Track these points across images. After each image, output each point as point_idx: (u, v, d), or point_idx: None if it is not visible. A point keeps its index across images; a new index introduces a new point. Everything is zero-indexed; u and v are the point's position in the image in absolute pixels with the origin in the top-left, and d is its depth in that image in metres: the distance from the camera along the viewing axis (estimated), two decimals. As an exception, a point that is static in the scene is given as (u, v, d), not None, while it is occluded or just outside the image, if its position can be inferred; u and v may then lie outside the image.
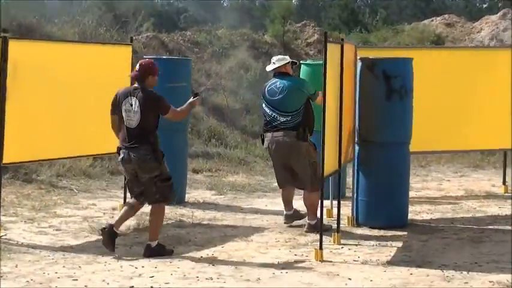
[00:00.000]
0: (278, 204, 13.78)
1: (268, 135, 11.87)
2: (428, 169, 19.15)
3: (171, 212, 13.32)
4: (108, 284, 8.86)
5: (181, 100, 12.38)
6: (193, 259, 10.18)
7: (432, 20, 31.92)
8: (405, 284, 8.93)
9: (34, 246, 10.76)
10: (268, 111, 11.96)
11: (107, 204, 13.88)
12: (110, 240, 10.13)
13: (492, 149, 16.30)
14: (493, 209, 14.09)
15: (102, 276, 9.16)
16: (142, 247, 10.63)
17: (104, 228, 10.28)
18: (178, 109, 10.58)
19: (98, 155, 14.45)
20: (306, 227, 11.98)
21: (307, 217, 12.05)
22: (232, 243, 11.21)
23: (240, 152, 20.36)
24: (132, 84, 10.73)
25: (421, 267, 9.73)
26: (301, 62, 15.67)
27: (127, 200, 11.32)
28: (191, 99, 10.81)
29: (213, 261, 10.07)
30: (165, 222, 12.41)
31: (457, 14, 34.47)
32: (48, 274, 9.22)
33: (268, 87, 12.19)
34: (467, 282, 8.97)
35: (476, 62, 15.18)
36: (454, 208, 14.13)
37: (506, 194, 15.44)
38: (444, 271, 9.54)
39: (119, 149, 10.26)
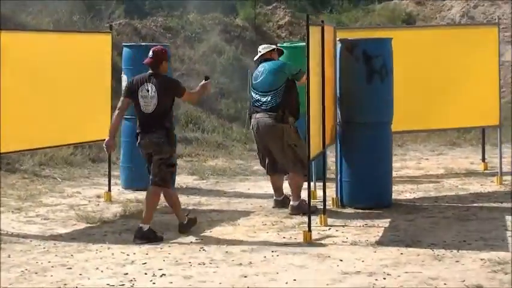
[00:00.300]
0: (261, 187, 13.93)
1: (253, 116, 12.13)
2: (406, 148, 19.26)
3: (156, 198, 13.40)
4: (102, 271, 8.92)
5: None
6: (183, 245, 10.26)
7: (402, 0, 32.03)
8: (397, 264, 9.00)
9: (24, 236, 10.83)
10: (253, 94, 12.27)
11: (92, 192, 13.92)
12: (146, 236, 10.52)
13: (471, 127, 16.24)
14: (475, 186, 14.19)
15: (95, 264, 9.22)
16: (131, 233, 10.74)
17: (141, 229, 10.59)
18: (192, 91, 11.12)
19: (80, 143, 14.45)
20: (289, 209, 12.09)
21: (292, 198, 12.14)
22: (219, 227, 11.26)
23: (217, 136, 20.45)
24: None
25: (410, 247, 9.81)
26: (278, 45, 15.68)
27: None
28: (203, 82, 10.99)
29: (203, 246, 10.09)
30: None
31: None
32: (42, 263, 9.26)
33: (254, 73, 12.46)
34: (458, 261, 9.06)
35: (456, 40, 15.33)
36: (436, 187, 14.23)
37: (486, 171, 15.53)
38: (434, 250, 9.62)
39: (137, 134, 10.61)
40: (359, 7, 29.16)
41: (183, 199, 12.86)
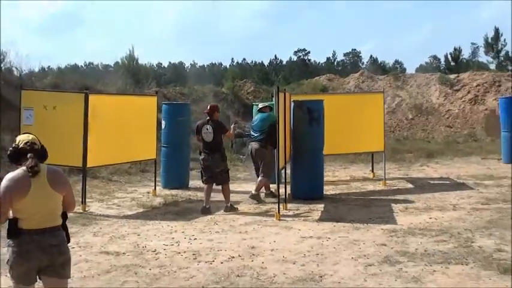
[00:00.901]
0: (243, 187, 13.86)
1: (250, 144, 12.64)
2: (326, 164, 19.21)
3: (183, 193, 13.40)
4: (158, 237, 9.08)
5: (186, 127, 14.20)
6: (203, 221, 10.29)
7: (320, 77, 32.21)
8: (332, 232, 9.15)
9: (107, 216, 10.87)
10: (251, 131, 12.64)
11: (144, 190, 13.84)
12: (206, 211, 11.01)
13: (366, 152, 16.27)
14: (370, 187, 14.23)
15: (153, 233, 9.39)
16: (171, 214, 10.97)
17: (204, 207, 11.14)
18: (230, 131, 11.65)
19: (136, 161, 14.47)
20: (250, 194, 12.29)
21: (254, 189, 12.33)
22: (220, 213, 11.12)
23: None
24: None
25: (338, 222, 9.91)
26: (253, 103, 15.83)
27: (206, 184, 11.39)
28: (233, 125, 12.32)
29: (215, 222, 10.15)
30: (179, 200, 12.54)
31: (333, 73, 34.82)
32: (121, 232, 9.45)
33: (253, 118, 13.02)
34: (368, 230, 9.25)
35: (359, 100, 15.63)
36: (347, 187, 14.24)
37: (374, 178, 15.57)
38: (353, 224, 9.76)
39: (200, 152, 11.35)
40: (294, 82, 29.14)
41: (200, 194, 12.87)
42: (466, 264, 6.88)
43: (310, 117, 12.40)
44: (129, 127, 12.26)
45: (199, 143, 11.69)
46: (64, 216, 4.47)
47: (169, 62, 57.81)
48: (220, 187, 11.35)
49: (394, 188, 14.00)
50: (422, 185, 14.38)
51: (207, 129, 11.11)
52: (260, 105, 13.15)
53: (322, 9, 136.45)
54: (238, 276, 6.73)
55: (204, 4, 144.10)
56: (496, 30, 46.33)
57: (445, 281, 6.25)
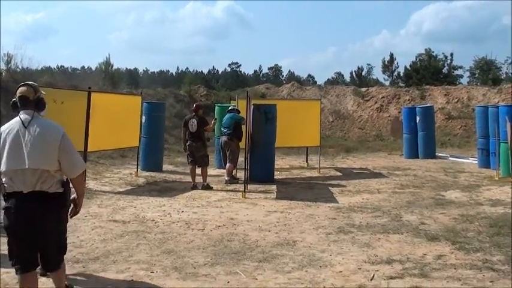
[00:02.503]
0: (212, 172, 13.72)
1: (221, 138, 12.69)
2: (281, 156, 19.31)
3: (159, 175, 13.36)
4: (152, 209, 9.05)
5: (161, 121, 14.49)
6: (183, 197, 10.32)
7: (259, 86, 32.30)
8: (291, 208, 9.25)
9: (104, 191, 10.68)
10: (222, 128, 12.65)
11: (126, 171, 13.70)
12: (194, 188, 11.31)
13: (303, 146, 16.39)
14: (307, 173, 14.42)
15: (146, 206, 9.36)
16: (156, 191, 10.88)
17: (194, 185, 11.41)
18: (210, 125, 12.01)
19: (125, 148, 14.26)
20: (225, 181, 12.27)
21: (226, 175, 12.41)
22: (196, 190, 11.16)
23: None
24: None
25: (292, 200, 10.01)
26: (215, 104, 15.81)
27: (190, 166, 11.69)
28: (213, 121, 12.64)
29: (194, 199, 10.18)
30: (158, 180, 12.45)
31: (270, 83, 34.91)
32: (119, 205, 9.37)
33: (224, 117, 12.81)
34: (318, 207, 9.37)
35: (300, 106, 15.93)
36: (290, 173, 14.41)
37: (308, 167, 15.77)
38: (305, 202, 9.85)
39: (186, 140, 11.58)
40: (238, 89, 29.02)
41: (173, 176, 12.82)
42: (402, 234, 7.10)
43: (266, 117, 12.57)
44: (119, 120, 12.18)
45: (181, 135, 12.12)
46: None
47: (126, 68, 56.57)
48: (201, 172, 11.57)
49: (328, 175, 14.19)
50: (348, 173, 14.64)
51: (193, 122, 11.51)
52: (230, 107, 13.19)
53: (252, 30, 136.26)
54: (228, 240, 6.78)
55: (154, 20, 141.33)
56: (391, 55, 47.51)
57: (390, 246, 6.45)
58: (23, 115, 4.01)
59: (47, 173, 3.92)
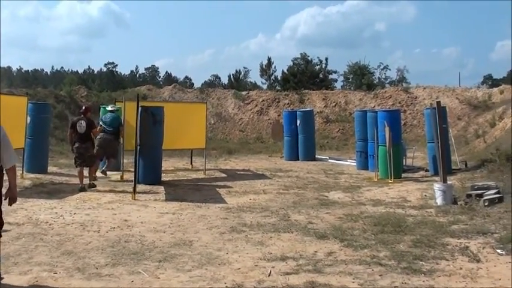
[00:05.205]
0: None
1: (103, 134, 12.50)
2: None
3: (45, 177, 13.08)
4: (43, 211, 8.83)
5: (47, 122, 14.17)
6: (73, 199, 10.25)
7: (141, 87, 32.00)
8: (182, 209, 9.46)
9: None
10: (104, 126, 12.61)
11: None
12: (83, 190, 11.31)
13: (190, 148, 16.50)
14: (193, 175, 14.68)
15: (37, 208, 9.12)
16: (44, 194, 10.60)
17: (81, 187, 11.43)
18: (97, 129, 12.14)
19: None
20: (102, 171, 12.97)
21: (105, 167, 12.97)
22: (85, 192, 11.09)
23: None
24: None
25: (182, 201, 10.23)
26: (101, 105, 15.67)
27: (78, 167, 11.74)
28: (100, 127, 12.53)
29: (84, 201, 10.20)
30: (44, 182, 12.24)
31: (149, 84, 34.66)
32: (9, 207, 8.85)
33: (104, 116, 12.92)
34: (209, 208, 9.66)
35: (188, 109, 16.17)
36: (176, 175, 14.61)
37: (193, 169, 16.02)
38: (195, 203, 10.10)
39: (74, 142, 11.58)
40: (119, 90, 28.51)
41: (58, 178, 12.46)
42: (292, 232, 7.56)
43: (153, 119, 12.64)
44: (4, 121, 11.60)
45: (68, 137, 12.18)
46: None
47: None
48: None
49: (213, 176, 14.55)
50: (232, 174, 15.09)
51: (81, 123, 11.62)
52: (110, 108, 13.28)
53: (128, 29, 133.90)
54: (126, 241, 6.91)
55: (27, 16, 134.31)
56: (269, 59, 48.97)
57: (282, 244, 6.89)
58: None
59: None
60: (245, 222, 8.26)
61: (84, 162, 11.63)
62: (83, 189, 11.28)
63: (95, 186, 11.64)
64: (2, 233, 6.83)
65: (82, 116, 11.80)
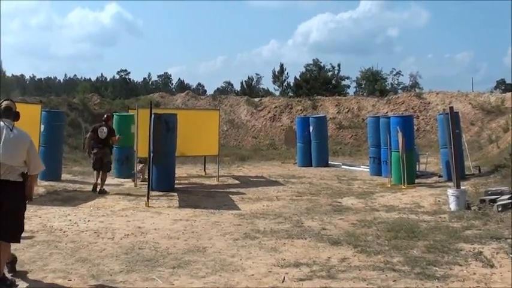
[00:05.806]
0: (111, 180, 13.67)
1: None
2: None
3: (58, 184, 13.17)
4: (58, 219, 8.85)
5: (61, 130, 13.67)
6: (87, 207, 10.32)
7: (154, 94, 32.25)
8: (196, 216, 9.47)
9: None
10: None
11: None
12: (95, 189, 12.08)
13: (204, 155, 16.61)
14: (206, 182, 14.76)
15: (52, 215, 9.17)
16: (59, 201, 10.44)
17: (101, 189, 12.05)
18: (116, 137, 12.59)
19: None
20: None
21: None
22: (98, 199, 11.17)
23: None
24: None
25: (196, 208, 10.26)
26: (113, 113, 15.73)
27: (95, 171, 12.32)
28: (118, 136, 12.80)
29: (97, 208, 10.23)
30: (58, 190, 12.22)
31: (162, 91, 34.84)
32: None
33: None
34: (222, 214, 9.66)
35: (202, 115, 16.24)
36: (188, 182, 14.67)
37: (206, 176, 16.09)
38: (208, 209, 10.12)
39: (93, 147, 12.24)
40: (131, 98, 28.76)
41: (72, 185, 12.53)
42: (305, 239, 7.57)
43: (167, 127, 12.72)
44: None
45: (87, 140, 12.73)
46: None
47: (12, 74, 54.24)
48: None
49: (226, 183, 14.60)
50: (245, 181, 15.13)
51: (103, 129, 12.39)
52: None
53: (140, 37, 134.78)
54: (140, 248, 6.94)
55: (39, 25, 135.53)
56: (281, 66, 49.05)
57: (295, 250, 6.90)
58: (6, 121, 5.17)
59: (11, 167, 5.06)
60: (258, 229, 8.27)
61: (101, 168, 12.15)
62: (96, 188, 11.98)
63: (106, 192, 11.96)
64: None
65: (104, 123, 12.53)
